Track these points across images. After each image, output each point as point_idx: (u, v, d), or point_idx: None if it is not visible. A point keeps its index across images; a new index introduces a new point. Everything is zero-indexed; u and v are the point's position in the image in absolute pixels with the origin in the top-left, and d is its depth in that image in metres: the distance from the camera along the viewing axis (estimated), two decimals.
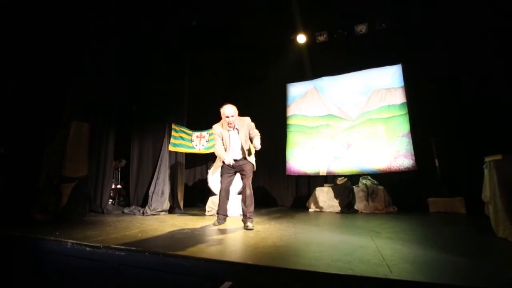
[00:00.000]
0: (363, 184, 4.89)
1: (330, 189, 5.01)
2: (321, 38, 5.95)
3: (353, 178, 5.31)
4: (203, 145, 5.01)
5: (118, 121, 5.26)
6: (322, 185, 5.39)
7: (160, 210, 4.52)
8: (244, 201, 3.10)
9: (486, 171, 2.45)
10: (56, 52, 4.28)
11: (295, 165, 6.06)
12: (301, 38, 5.96)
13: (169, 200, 4.74)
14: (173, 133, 4.99)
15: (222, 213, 3.25)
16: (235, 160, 3.10)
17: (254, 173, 3.26)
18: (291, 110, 6.44)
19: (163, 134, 5.05)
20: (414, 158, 4.99)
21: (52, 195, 3.74)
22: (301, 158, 6.04)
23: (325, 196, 5.00)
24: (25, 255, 2.42)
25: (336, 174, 5.57)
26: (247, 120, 3.17)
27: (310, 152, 5.97)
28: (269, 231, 2.87)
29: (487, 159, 2.43)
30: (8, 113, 3.96)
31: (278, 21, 5.50)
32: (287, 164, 6.12)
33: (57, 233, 2.59)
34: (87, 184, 4.33)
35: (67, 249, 2.22)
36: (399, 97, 5.39)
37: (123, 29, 4.99)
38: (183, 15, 5.18)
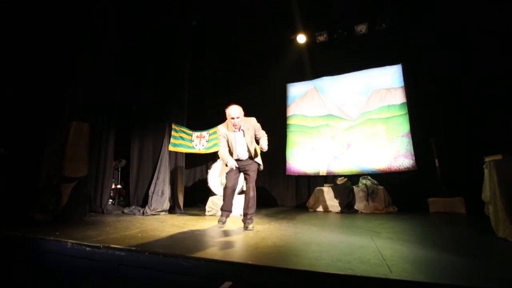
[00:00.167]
0: (363, 184, 4.89)
1: (330, 189, 5.01)
2: (321, 38, 5.95)
3: (353, 178, 5.30)
4: (203, 145, 5.01)
5: (118, 121, 5.26)
6: (322, 185, 5.39)
7: (160, 210, 4.52)
8: (246, 202, 3.02)
9: (486, 171, 2.45)
10: (56, 52, 4.29)
11: (295, 165, 6.06)
12: (301, 38, 5.96)
13: (169, 200, 4.75)
14: (173, 133, 4.99)
15: (226, 209, 3.08)
16: (240, 160, 3.03)
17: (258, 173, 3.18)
18: (291, 110, 6.44)
19: (163, 134, 5.05)
20: (414, 158, 4.99)
21: (52, 195, 3.74)
22: (301, 158, 6.04)
23: (325, 196, 5.00)
24: (25, 255, 2.42)
25: (336, 174, 5.57)
26: (253, 121, 3.07)
27: (310, 152, 5.97)
28: (269, 231, 2.87)
29: (487, 159, 2.43)
30: (8, 113, 3.96)
31: (278, 21, 5.50)
32: (287, 164, 6.12)
33: (57, 233, 2.59)
34: (87, 184, 4.33)
35: (67, 249, 2.23)
36: (399, 97, 5.39)
37: (123, 29, 4.99)
38: (183, 15, 5.18)
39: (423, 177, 4.81)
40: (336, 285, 1.44)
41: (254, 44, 6.19)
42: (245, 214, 3.01)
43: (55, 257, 2.28)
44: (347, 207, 4.70)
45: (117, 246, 2.06)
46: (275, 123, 6.31)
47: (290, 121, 6.38)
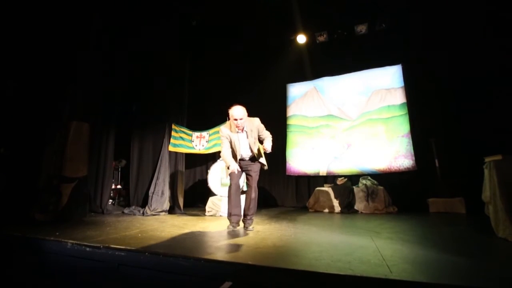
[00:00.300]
0: (363, 184, 4.89)
1: (330, 189, 5.01)
2: (321, 38, 5.95)
3: (353, 178, 5.30)
4: (203, 145, 5.01)
5: (118, 121, 5.26)
6: (322, 185, 5.39)
7: (160, 210, 4.52)
8: (247, 203, 2.95)
9: (486, 171, 2.45)
10: (56, 52, 4.29)
11: (295, 165, 6.06)
12: (301, 38, 5.96)
13: (169, 200, 4.75)
14: (173, 133, 4.99)
15: (235, 213, 2.90)
16: (242, 160, 2.97)
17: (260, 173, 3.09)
18: (291, 110, 6.44)
19: (163, 134, 5.05)
20: (414, 158, 4.99)
21: (52, 195, 3.74)
22: (301, 158, 6.04)
23: (325, 197, 5.00)
24: (25, 255, 2.42)
25: (336, 174, 5.57)
26: (256, 121, 2.98)
27: (310, 152, 5.97)
28: (269, 231, 2.87)
29: (487, 159, 2.43)
30: (8, 113, 3.96)
31: (278, 21, 5.50)
32: (287, 164, 6.12)
33: (57, 233, 2.59)
34: (87, 184, 4.33)
35: (67, 249, 2.23)
36: (399, 97, 5.39)
37: (123, 29, 4.99)
38: (183, 15, 5.18)
39: (423, 177, 4.81)
40: (336, 286, 1.44)
41: (254, 44, 6.19)
42: (245, 215, 2.97)
43: (55, 257, 2.28)
44: (347, 208, 4.70)
45: (117, 246, 2.06)
46: (275, 123, 6.31)
47: (290, 121, 6.38)
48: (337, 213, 4.68)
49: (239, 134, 2.91)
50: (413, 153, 5.03)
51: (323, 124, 6.02)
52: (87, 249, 2.14)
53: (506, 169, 2.22)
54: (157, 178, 4.79)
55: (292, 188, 6.07)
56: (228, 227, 2.89)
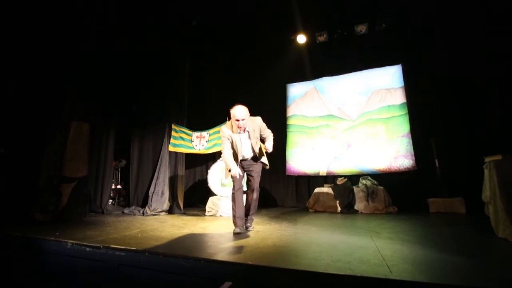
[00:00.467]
0: (363, 184, 4.89)
1: (330, 189, 5.01)
2: (321, 38, 5.95)
3: (353, 178, 5.30)
4: (203, 145, 5.01)
5: (118, 121, 5.26)
6: (322, 185, 5.39)
7: (160, 210, 4.52)
8: (248, 203, 2.90)
9: (486, 171, 2.45)
10: (56, 52, 4.29)
11: (295, 165, 6.06)
12: (301, 38, 5.96)
13: (169, 200, 4.75)
14: (173, 133, 4.99)
15: (240, 217, 2.81)
16: (244, 160, 2.89)
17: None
18: (291, 110, 6.43)
19: (163, 134, 5.06)
20: (414, 158, 4.99)
21: (52, 195, 3.75)
22: (301, 158, 6.04)
23: (325, 197, 4.99)
24: (25, 255, 2.42)
25: (336, 174, 5.56)
26: (258, 120, 2.89)
27: (310, 152, 5.97)
28: (269, 231, 2.87)
29: (487, 159, 2.43)
30: (8, 113, 3.96)
31: (278, 21, 5.50)
32: (287, 164, 6.12)
33: (57, 233, 2.59)
34: (87, 184, 4.33)
35: (67, 249, 2.23)
36: (399, 98, 5.39)
37: (123, 29, 4.99)
38: (183, 15, 5.18)
39: (423, 177, 4.81)
40: (336, 286, 1.44)
41: (254, 44, 6.19)
42: (246, 215, 2.91)
43: (55, 257, 2.29)
44: (347, 208, 4.70)
45: (117, 246, 2.06)
46: (275, 123, 6.30)
47: (290, 121, 6.38)
48: (337, 213, 4.67)
49: (241, 134, 2.80)
50: (413, 153, 5.02)
51: (323, 124, 6.02)
52: (87, 249, 2.14)
53: (506, 169, 2.22)
54: (157, 178, 4.80)
55: (292, 188, 6.06)
56: (234, 230, 2.74)
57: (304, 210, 5.17)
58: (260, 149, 2.93)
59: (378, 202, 4.56)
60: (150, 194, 4.70)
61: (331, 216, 4.28)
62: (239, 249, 2.07)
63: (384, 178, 5.04)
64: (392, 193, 4.69)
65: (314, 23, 5.70)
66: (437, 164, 4.58)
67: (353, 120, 5.73)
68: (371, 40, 5.65)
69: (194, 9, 5.16)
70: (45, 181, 3.85)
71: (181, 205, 4.79)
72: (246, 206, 2.92)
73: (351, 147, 5.61)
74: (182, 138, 5.02)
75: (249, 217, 2.93)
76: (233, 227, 2.82)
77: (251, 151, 2.87)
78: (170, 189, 4.80)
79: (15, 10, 4.00)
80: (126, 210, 4.69)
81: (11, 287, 2.30)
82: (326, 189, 5.08)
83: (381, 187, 4.69)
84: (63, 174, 3.90)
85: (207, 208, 4.51)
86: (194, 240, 2.44)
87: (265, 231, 2.86)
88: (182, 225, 3.30)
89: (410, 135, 5.12)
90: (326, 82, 6.17)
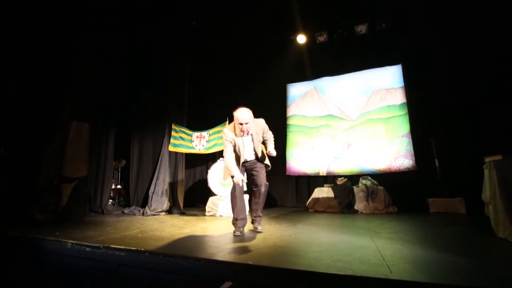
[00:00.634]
0: (363, 184, 4.89)
1: (330, 189, 5.01)
2: (321, 38, 5.95)
3: (353, 178, 5.30)
4: (203, 145, 5.01)
5: (118, 121, 5.26)
6: (322, 185, 5.39)
7: (160, 210, 4.52)
8: (257, 198, 2.77)
9: (486, 171, 2.45)
10: (56, 52, 4.29)
11: (295, 165, 6.06)
12: (301, 38, 5.96)
13: (169, 200, 4.75)
14: (173, 133, 4.99)
15: (241, 217, 2.74)
16: (246, 161, 2.82)
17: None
18: (291, 110, 6.43)
19: (163, 134, 5.06)
20: (414, 158, 4.99)
21: (52, 195, 3.75)
22: (301, 158, 6.04)
23: (325, 197, 5.00)
24: (25, 255, 2.42)
25: (336, 174, 5.57)
26: (262, 122, 2.80)
27: (310, 152, 5.97)
28: (269, 231, 2.86)
29: (487, 159, 2.43)
30: (8, 113, 3.96)
31: (278, 21, 5.50)
32: (287, 164, 6.12)
33: (57, 233, 2.59)
34: (87, 184, 4.33)
35: (67, 249, 2.23)
36: (399, 97, 5.39)
37: (123, 29, 5.00)
38: (183, 15, 5.18)
39: (423, 177, 4.81)
40: (336, 286, 1.44)
41: (254, 44, 6.19)
42: (253, 212, 2.85)
43: (55, 257, 2.29)
44: (347, 207, 4.70)
45: (117, 246, 2.06)
46: (275, 123, 6.30)
47: (290, 121, 6.38)
48: (337, 213, 4.67)
49: (244, 137, 2.71)
50: (413, 153, 5.02)
51: (323, 124, 6.02)
52: (87, 249, 2.14)
53: (506, 169, 2.22)
54: (157, 178, 4.80)
55: (292, 188, 6.06)
56: (234, 232, 2.69)
57: (304, 210, 5.17)
58: (262, 151, 2.88)
59: (378, 202, 4.57)
60: (150, 194, 4.70)
61: (331, 216, 4.28)
62: (239, 249, 2.07)
63: (384, 178, 5.04)
64: (392, 193, 4.69)
65: (314, 23, 5.70)
66: (437, 164, 4.58)
67: (353, 120, 5.73)
68: (371, 40, 5.65)
69: (194, 9, 5.16)
70: (45, 181, 3.85)
71: (181, 205, 4.79)
72: (253, 202, 2.82)
73: (351, 147, 5.61)
74: (182, 138, 5.02)
75: (257, 215, 2.82)
76: (232, 227, 2.80)
77: (254, 153, 2.81)
78: (170, 189, 4.80)
79: (15, 10, 4.00)
80: (126, 210, 4.69)
81: (11, 287, 2.30)
82: (326, 189, 5.08)
83: (381, 187, 4.69)
84: (63, 174, 3.90)
85: (207, 208, 4.51)
86: (194, 240, 2.44)
87: (265, 231, 2.86)
88: (182, 225, 3.30)
89: (410, 135, 5.12)
90: (326, 82, 6.17)
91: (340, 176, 5.37)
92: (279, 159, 6.16)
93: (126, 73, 5.32)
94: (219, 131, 4.97)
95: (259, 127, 2.77)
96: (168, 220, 3.83)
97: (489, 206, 2.44)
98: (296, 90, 6.51)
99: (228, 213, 4.24)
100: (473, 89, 4.60)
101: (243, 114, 2.61)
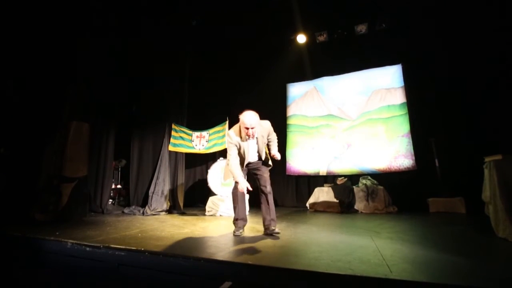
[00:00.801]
0: (363, 184, 4.89)
1: (330, 189, 5.01)
2: (321, 38, 5.95)
3: (353, 178, 5.30)
4: (203, 145, 5.01)
5: (118, 121, 5.26)
6: (322, 185, 5.39)
7: (160, 210, 4.52)
8: (264, 199, 2.67)
9: (486, 171, 2.45)
10: (56, 52, 4.29)
11: (295, 165, 6.06)
12: (301, 38, 5.96)
13: (169, 200, 4.75)
14: (173, 133, 4.99)
15: (241, 217, 2.72)
16: (250, 163, 2.75)
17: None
18: (291, 110, 6.44)
19: (163, 134, 5.06)
20: (414, 158, 4.99)
21: (52, 195, 3.74)
22: (301, 158, 6.04)
23: (325, 196, 5.00)
24: (25, 255, 2.42)
25: (336, 174, 5.57)
26: (267, 125, 2.74)
27: (310, 152, 5.97)
28: None
29: (487, 159, 2.43)
30: (8, 113, 3.96)
31: (278, 21, 5.50)
32: (287, 164, 6.12)
33: (57, 233, 2.59)
34: (87, 184, 4.33)
35: (67, 249, 2.23)
36: (399, 97, 5.39)
37: (123, 29, 4.99)
38: (183, 15, 5.18)
39: (423, 177, 4.81)
40: (336, 285, 1.44)
41: (254, 44, 6.19)
42: (266, 215, 2.69)
43: (55, 257, 2.29)
44: (347, 207, 4.70)
45: (117, 246, 2.06)
46: (275, 123, 6.28)
47: (290, 121, 6.38)
48: (337, 212, 4.67)
49: (250, 140, 2.64)
50: (413, 153, 5.03)
51: (323, 124, 6.02)
52: (87, 249, 2.14)
53: (506, 169, 2.22)
54: (157, 178, 4.80)
55: (292, 188, 6.07)
56: (234, 232, 2.69)
57: (304, 210, 5.17)
58: (266, 153, 2.84)
59: (378, 202, 4.57)
60: (150, 194, 4.70)
61: (331, 216, 4.28)
62: (239, 249, 2.07)
63: (384, 178, 5.04)
64: (392, 193, 4.69)
65: (314, 23, 5.70)
66: (437, 164, 4.58)
67: (353, 120, 5.73)
68: (371, 40, 5.65)
69: (194, 9, 5.16)
70: (45, 181, 3.85)
71: (181, 205, 4.79)
72: (264, 204, 2.72)
73: (351, 147, 5.61)
74: (182, 138, 5.02)
75: (271, 217, 2.68)
76: (232, 227, 2.80)
77: (258, 155, 2.76)
78: (170, 189, 4.80)
79: (15, 10, 4.00)
80: (126, 210, 4.69)
81: (11, 287, 2.30)
82: (326, 189, 5.08)
83: (381, 187, 4.69)
84: (63, 174, 3.89)
85: (207, 208, 4.51)
86: (194, 240, 2.44)
87: None
88: (182, 225, 3.30)
89: (410, 135, 5.12)
90: (326, 82, 6.17)
91: (340, 176, 5.37)
92: (279, 159, 6.17)
93: (126, 73, 5.31)
94: (219, 131, 4.97)
95: (265, 130, 2.72)
96: (168, 220, 3.83)
97: (489, 206, 2.45)
98: (296, 90, 6.51)
99: (228, 213, 4.24)
100: (473, 89, 4.60)
101: (249, 118, 2.52)
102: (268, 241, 2.35)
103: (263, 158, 2.78)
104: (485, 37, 4.48)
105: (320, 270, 1.51)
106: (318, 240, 2.38)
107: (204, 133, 5.06)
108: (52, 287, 2.20)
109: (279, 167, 6.16)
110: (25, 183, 3.85)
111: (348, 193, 4.81)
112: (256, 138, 2.66)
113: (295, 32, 5.88)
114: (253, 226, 3.13)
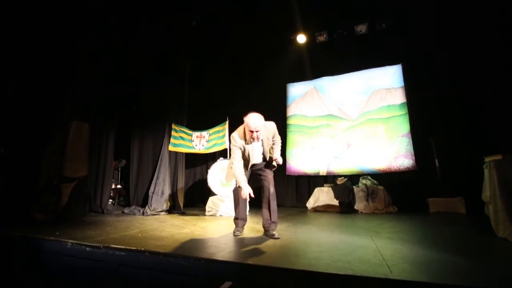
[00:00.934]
0: (363, 184, 4.89)
1: (330, 189, 5.01)
2: (321, 38, 5.95)
3: (353, 178, 5.30)
4: (203, 145, 5.01)
5: (118, 121, 5.26)
6: (322, 185, 5.39)
7: (160, 210, 4.52)
8: (267, 200, 2.63)
9: (486, 171, 2.45)
10: (56, 52, 4.29)
11: (295, 165, 6.06)
12: (301, 38, 5.96)
13: (169, 200, 4.75)
14: (173, 133, 4.99)
15: (242, 217, 2.71)
16: (254, 164, 2.73)
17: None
18: (291, 110, 6.44)
19: (163, 134, 5.06)
20: (414, 158, 4.99)
21: (52, 195, 3.75)
22: (301, 158, 6.04)
23: (325, 196, 5.00)
24: (25, 255, 2.42)
25: (336, 174, 5.56)
26: (272, 126, 2.70)
27: (310, 152, 5.97)
28: None
29: (487, 159, 2.43)
30: (8, 113, 3.96)
31: (278, 21, 5.50)
32: (287, 164, 6.12)
33: (57, 233, 2.59)
34: (87, 184, 4.33)
35: (67, 249, 2.23)
36: (399, 97, 5.39)
37: (123, 29, 4.99)
38: (183, 15, 5.18)
39: (423, 177, 4.81)
40: (336, 285, 1.44)
41: (254, 44, 6.19)
42: (267, 217, 2.65)
43: (55, 257, 2.29)
44: (347, 207, 4.70)
45: (117, 246, 2.06)
46: (275, 123, 6.29)
47: (290, 121, 6.38)
48: (337, 213, 4.67)
49: (254, 143, 2.57)
50: (413, 153, 5.02)
51: (323, 124, 6.02)
52: (87, 249, 2.14)
53: (506, 169, 2.22)
54: (157, 178, 4.80)
55: (292, 188, 6.06)
56: (234, 231, 2.68)
57: (304, 210, 5.17)
58: (271, 155, 2.81)
59: (378, 202, 4.56)
60: (150, 194, 4.70)
61: (331, 216, 4.28)
62: (239, 249, 2.07)
63: (384, 178, 5.04)
64: (392, 193, 4.69)
65: (314, 23, 5.70)
66: (437, 164, 4.58)
67: (353, 120, 5.73)
68: (371, 40, 5.65)
69: (194, 9, 5.16)
70: (45, 181, 3.85)
71: (181, 205, 4.79)
72: (264, 209, 2.68)
73: (351, 146, 5.61)
74: (182, 138, 5.02)
75: (271, 220, 2.63)
76: (232, 227, 2.80)
77: (262, 156, 2.72)
78: (170, 189, 4.80)
79: (15, 9, 4.00)
80: (126, 210, 4.69)
81: (11, 287, 2.30)
82: (326, 189, 5.08)
83: (381, 187, 4.69)
84: (63, 174, 3.90)
85: (207, 208, 4.51)
86: (194, 240, 2.44)
87: None
88: (182, 225, 3.30)
89: (410, 135, 5.12)
90: (326, 82, 6.17)
91: (340, 176, 5.37)
92: (281, 164, 6.16)
93: (126, 73, 5.32)
94: (219, 131, 4.97)
95: (270, 131, 2.66)
96: (168, 220, 3.83)
97: (489, 206, 2.45)
98: (296, 90, 6.51)
99: (228, 213, 4.24)
100: (473, 89, 4.60)
101: (254, 121, 2.44)
102: (268, 241, 2.35)
103: (267, 159, 2.75)
104: (485, 37, 4.48)
105: (320, 270, 1.51)
106: (318, 240, 2.38)
107: (204, 133, 5.07)
108: (52, 287, 2.20)
109: (279, 167, 6.10)
110: (25, 183, 3.85)
111: (348, 193, 4.81)
112: (261, 140, 2.60)
113: (295, 32, 5.88)
114: (253, 226, 3.13)
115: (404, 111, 5.30)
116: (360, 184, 4.94)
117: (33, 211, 3.57)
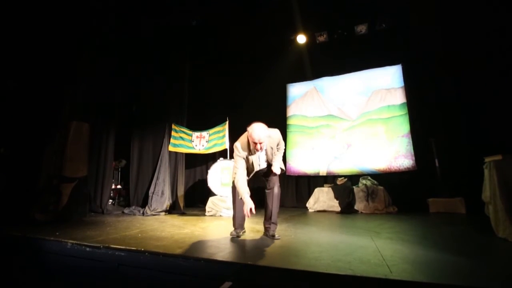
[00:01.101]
0: (363, 184, 4.89)
1: (330, 189, 5.01)
2: (321, 38, 5.95)
3: (353, 178, 5.30)
4: (203, 146, 5.01)
5: (118, 121, 5.26)
6: (322, 185, 5.39)
7: (160, 210, 4.52)
8: (270, 201, 2.64)
9: (486, 171, 2.45)
10: (56, 52, 4.29)
11: (295, 165, 6.06)
12: (301, 38, 5.96)
13: (169, 200, 4.75)
14: (173, 133, 4.99)
15: (241, 216, 2.69)
16: (258, 170, 2.71)
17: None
18: (291, 110, 6.43)
19: (163, 134, 5.06)
20: (414, 158, 4.99)
21: (52, 195, 3.75)
22: (301, 158, 6.04)
23: (325, 197, 5.00)
24: (25, 255, 2.42)
25: (336, 174, 5.56)
26: (276, 135, 2.65)
27: (310, 152, 5.97)
28: None
29: (487, 159, 2.43)
30: (8, 113, 3.96)
31: (278, 21, 5.50)
32: (287, 164, 6.11)
33: (57, 233, 2.59)
34: (87, 184, 4.33)
35: (67, 249, 2.23)
36: (399, 97, 5.39)
37: (123, 29, 4.99)
38: (183, 15, 5.18)
39: (423, 177, 4.81)
40: (336, 286, 1.44)
41: (254, 44, 6.19)
42: (267, 217, 2.67)
43: (55, 257, 2.29)
44: (347, 208, 4.70)
45: (117, 246, 2.06)
46: (275, 123, 6.28)
47: (290, 121, 6.38)
48: (337, 213, 4.67)
49: (259, 152, 2.53)
50: (413, 153, 5.02)
51: (323, 124, 6.02)
52: (87, 249, 2.14)
53: (506, 169, 2.22)
54: (157, 178, 4.80)
55: (292, 188, 6.06)
56: (231, 233, 2.66)
57: (304, 210, 5.17)
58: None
59: (378, 202, 4.56)
60: (150, 194, 4.70)
61: (331, 216, 4.28)
62: (239, 249, 2.07)
63: (384, 178, 5.04)
64: (392, 193, 4.69)
65: (314, 23, 5.70)
66: (437, 164, 4.58)
67: (353, 120, 5.73)
68: (371, 40, 5.65)
69: (194, 9, 5.16)
70: (45, 181, 3.85)
71: (181, 205, 4.79)
72: (267, 205, 2.70)
73: (351, 147, 5.61)
74: (182, 138, 5.02)
75: (272, 220, 2.63)
76: (232, 227, 2.77)
77: (266, 164, 2.70)
78: (170, 189, 4.80)
79: (15, 10, 4.00)
80: (126, 210, 4.69)
81: (11, 287, 2.30)
82: (326, 189, 5.08)
83: (381, 187, 4.69)
84: (63, 174, 3.90)
85: (207, 208, 4.51)
86: (194, 240, 2.44)
87: None
88: (182, 225, 3.30)
89: (410, 135, 5.12)
90: (326, 82, 6.17)
91: (340, 176, 5.37)
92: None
93: (126, 73, 5.32)
94: (219, 131, 4.97)
95: (274, 141, 2.63)
96: (168, 220, 3.83)
97: (489, 206, 2.44)
98: (296, 90, 6.51)
99: (228, 214, 4.24)
100: (473, 89, 4.60)
101: (258, 133, 2.37)
102: (268, 241, 2.35)
103: (271, 164, 2.73)
104: (485, 36, 4.48)
105: (320, 270, 1.51)
106: (318, 240, 2.38)
107: (204, 133, 5.07)
108: (52, 287, 2.20)
109: None
110: (25, 183, 3.85)
111: (348, 193, 4.81)
112: (265, 149, 2.58)
113: (295, 32, 5.88)
114: (253, 226, 3.13)
115: (404, 111, 5.30)
116: (360, 184, 4.94)
117: (33, 211, 3.57)
